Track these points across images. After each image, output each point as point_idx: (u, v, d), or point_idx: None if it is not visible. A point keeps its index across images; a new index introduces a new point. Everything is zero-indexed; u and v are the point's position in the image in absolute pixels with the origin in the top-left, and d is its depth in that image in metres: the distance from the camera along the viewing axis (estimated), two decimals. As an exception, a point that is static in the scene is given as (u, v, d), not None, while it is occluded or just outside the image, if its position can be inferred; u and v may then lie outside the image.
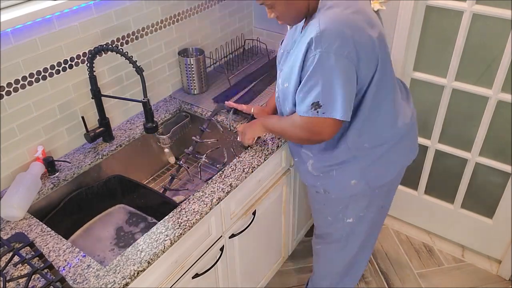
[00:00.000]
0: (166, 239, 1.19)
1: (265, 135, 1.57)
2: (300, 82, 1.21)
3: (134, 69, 1.32)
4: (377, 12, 1.26)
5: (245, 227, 1.56)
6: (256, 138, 1.53)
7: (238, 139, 1.53)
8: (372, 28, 1.18)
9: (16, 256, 1.15)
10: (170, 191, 1.57)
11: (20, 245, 1.18)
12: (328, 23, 1.12)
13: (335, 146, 1.33)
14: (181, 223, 1.24)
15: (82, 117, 1.48)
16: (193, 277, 1.39)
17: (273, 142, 1.55)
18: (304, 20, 1.26)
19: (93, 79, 1.44)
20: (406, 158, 1.47)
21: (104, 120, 1.53)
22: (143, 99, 1.34)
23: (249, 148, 1.53)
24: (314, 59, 1.13)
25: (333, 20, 1.13)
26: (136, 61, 1.31)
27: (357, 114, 1.26)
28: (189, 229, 1.25)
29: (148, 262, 1.14)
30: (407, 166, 1.50)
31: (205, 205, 1.30)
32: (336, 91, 1.14)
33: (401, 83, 1.46)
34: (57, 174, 1.42)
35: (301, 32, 1.25)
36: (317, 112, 1.17)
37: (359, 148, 1.32)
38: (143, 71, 1.33)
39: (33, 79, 1.33)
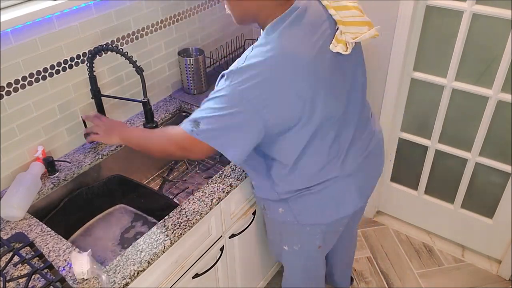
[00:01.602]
0: (166, 239, 1.19)
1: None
2: None
3: (134, 69, 1.32)
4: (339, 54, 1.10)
5: (245, 227, 1.56)
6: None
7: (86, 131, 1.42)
8: (313, 73, 1.06)
9: (16, 256, 1.15)
10: (169, 182, 1.56)
11: (20, 245, 1.18)
12: (252, 61, 1.02)
13: (265, 188, 1.29)
14: (181, 223, 1.24)
15: (82, 117, 1.48)
16: (193, 277, 1.39)
17: (273, 142, 1.55)
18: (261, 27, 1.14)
19: (93, 79, 1.44)
20: (346, 205, 1.29)
21: (104, 120, 1.53)
22: (143, 99, 1.34)
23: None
24: (220, 87, 1.05)
25: (259, 59, 1.02)
26: (136, 61, 1.31)
27: (283, 161, 1.19)
28: (189, 229, 1.25)
29: (148, 262, 1.14)
30: (349, 214, 1.32)
31: (205, 205, 1.30)
32: (221, 123, 1.04)
33: (371, 123, 1.34)
34: (57, 174, 1.42)
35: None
36: (192, 131, 1.06)
37: (287, 192, 1.25)
38: (143, 71, 1.33)
39: (33, 79, 1.33)
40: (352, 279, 2.06)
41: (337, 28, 1.10)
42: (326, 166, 1.21)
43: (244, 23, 1.17)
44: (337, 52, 1.09)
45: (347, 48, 1.10)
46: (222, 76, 1.07)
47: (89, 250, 1.13)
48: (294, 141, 1.14)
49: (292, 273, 1.59)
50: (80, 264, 1.08)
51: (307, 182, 1.23)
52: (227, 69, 1.08)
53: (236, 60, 1.08)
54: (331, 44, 1.08)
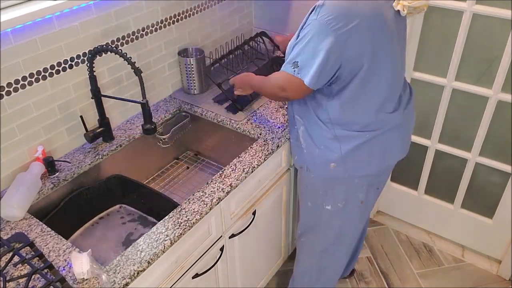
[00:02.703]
0: (166, 239, 1.20)
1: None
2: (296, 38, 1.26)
3: (132, 70, 1.32)
4: (398, 13, 1.26)
5: (245, 227, 1.56)
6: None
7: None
8: (384, 21, 1.21)
9: (16, 256, 1.15)
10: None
11: (20, 245, 1.18)
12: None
13: (320, 120, 1.36)
14: (181, 223, 1.24)
15: (81, 117, 1.48)
16: (193, 277, 1.39)
17: (273, 142, 1.55)
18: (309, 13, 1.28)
19: (93, 79, 1.44)
20: (392, 154, 1.44)
21: (104, 120, 1.53)
22: (142, 101, 1.34)
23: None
24: (309, 23, 1.20)
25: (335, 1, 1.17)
26: (134, 62, 1.31)
27: (344, 90, 1.28)
28: (189, 229, 1.25)
29: (148, 262, 1.14)
30: (393, 164, 1.48)
31: (205, 205, 1.30)
32: (315, 59, 1.19)
33: (408, 86, 1.47)
34: (57, 174, 1.42)
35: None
36: (294, 70, 1.25)
37: (343, 128, 1.34)
38: (142, 72, 1.32)
39: (33, 79, 1.33)
40: (354, 271, 2.06)
41: None
42: (378, 113, 1.32)
43: None
44: (397, 12, 1.25)
45: (403, 9, 1.24)
46: (311, 11, 1.21)
47: (89, 250, 1.13)
48: (357, 82, 1.26)
49: (326, 239, 1.59)
50: (80, 264, 1.08)
51: (361, 124, 1.33)
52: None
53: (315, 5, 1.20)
54: (394, 2, 1.24)
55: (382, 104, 1.32)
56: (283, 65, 1.29)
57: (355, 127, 1.33)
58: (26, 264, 1.13)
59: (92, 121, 1.56)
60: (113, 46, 1.51)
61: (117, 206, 1.58)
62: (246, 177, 1.43)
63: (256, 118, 1.68)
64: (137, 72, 1.31)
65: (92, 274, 1.08)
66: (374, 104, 1.31)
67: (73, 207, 1.44)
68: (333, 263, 1.69)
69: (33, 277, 1.09)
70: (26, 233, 1.22)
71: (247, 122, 1.66)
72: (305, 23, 1.23)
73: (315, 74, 1.21)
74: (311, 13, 1.21)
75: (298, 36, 1.25)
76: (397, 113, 1.37)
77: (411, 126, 1.51)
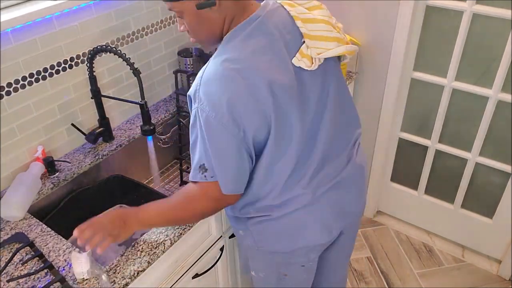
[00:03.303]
0: (166, 239, 1.19)
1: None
2: None
3: (131, 71, 1.32)
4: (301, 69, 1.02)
5: (245, 227, 1.56)
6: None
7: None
8: (270, 87, 0.97)
9: (16, 256, 1.15)
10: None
11: (20, 245, 1.18)
12: (209, 74, 0.97)
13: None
14: (181, 223, 1.24)
15: (72, 124, 1.47)
16: (193, 277, 1.39)
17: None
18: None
19: (93, 79, 1.44)
20: (303, 236, 1.16)
21: (104, 120, 1.54)
22: (140, 101, 1.34)
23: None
24: (192, 113, 1.00)
25: (215, 72, 0.97)
26: (133, 63, 1.31)
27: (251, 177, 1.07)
28: (189, 229, 1.25)
29: (148, 262, 1.14)
30: (309, 246, 1.20)
31: (205, 205, 1.30)
32: (211, 153, 0.99)
33: (351, 144, 1.21)
34: (57, 174, 1.42)
35: None
36: (205, 176, 1.01)
37: (244, 213, 1.16)
38: (140, 73, 1.32)
39: (33, 79, 1.33)
40: None
41: (303, 42, 1.04)
42: (287, 187, 1.09)
43: (212, 43, 1.07)
44: (299, 67, 1.03)
45: (312, 63, 1.04)
46: (189, 99, 1.02)
47: (89, 250, 1.12)
48: (265, 158, 1.05)
49: None
50: (80, 264, 1.08)
51: (263, 207, 1.12)
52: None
53: (197, 75, 1.01)
54: (295, 58, 1.02)
55: (287, 177, 1.07)
56: (190, 174, 1.04)
57: (253, 210, 1.14)
58: (26, 264, 1.13)
59: (92, 121, 1.56)
60: (112, 46, 1.50)
61: (117, 206, 1.57)
62: (246, 177, 1.43)
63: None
64: (136, 72, 1.31)
65: (92, 274, 1.08)
66: (278, 179, 1.07)
67: (73, 207, 1.44)
68: None
69: (33, 277, 1.09)
70: (26, 233, 1.22)
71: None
72: (191, 109, 1.01)
73: (225, 177, 1.00)
74: (190, 100, 1.01)
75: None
76: (314, 187, 1.11)
77: (346, 206, 1.20)
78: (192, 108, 1.00)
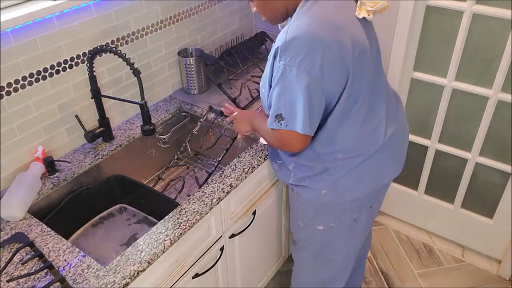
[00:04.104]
0: (166, 239, 1.20)
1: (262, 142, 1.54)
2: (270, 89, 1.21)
3: (131, 71, 1.32)
4: (364, 19, 1.20)
5: (245, 227, 1.56)
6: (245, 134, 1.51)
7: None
8: (350, 38, 1.13)
9: (16, 256, 1.15)
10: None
11: (20, 245, 1.18)
12: (296, 33, 1.10)
13: (310, 157, 1.30)
14: (181, 223, 1.24)
15: (76, 116, 1.48)
16: (193, 277, 1.39)
17: (273, 142, 1.55)
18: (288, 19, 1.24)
19: (93, 79, 1.44)
20: (381, 175, 1.37)
21: (104, 120, 1.54)
22: (140, 101, 1.34)
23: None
24: (278, 71, 1.13)
25: (301, 31, 1.10)
26: (133, 63, 1.31)
27: (325, 125, 1.23)
28: (189, 229, 1.25)
29: (148, 262, 1.14)
30: (386, 184, 1.42)
31: (205, 205, 1.30)
32: (297, 104, 1.13)
33: (393, 96, 1.41)
34: (57, 174, 1.42)
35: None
36: (280, 124, 1.18)
37: (331, 159, 1.28)
38: (140, 73, 1.32)
39: (33, 79, 1.33)
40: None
41: (357, 1, 1.19)
42: (364, 134, 1.26)
43: (278, 21, 1.25)
44: (363, 18, 1.18)
45: (368, 14, 1.18)
46: (274, 57, 1.14)
47: None
48: (341, 107, 1.20)
49: (323, 259, 1.54)
50: None
51: (348, 150, 1.27)
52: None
53: (278, 38, 1.15)
54: (356, 12, 1.17)
55: (363, 122, 1.26)
56: (268, 121, 1.22)
57: (340, 155, 1.28)
58: (26, 264, 1.13)
59: (92, 121, 1.56)
60: (112, 46, 1.51)
61: (117, 206, 1.58)
62: (246, 177, 1.43)
63: (256, 118, 1.68)
64: (136, 73, 1.31)
65: None
66: (356, 125, 1.25)
67: (73, 207, 1.44)
68: (330, 279, 1.61)
69: (33, 277, 1.09)
70: (26, 233, 1.22)
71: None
72: (272, 69, 1.17)
73: (305, 120, 1.15)
74: (274, 58, 1.15)
75: (270, 85, 1.20)
76: (382, 129, 1.30)
77: (404, 140, 1.44)
78: (279, 64, 1.12)
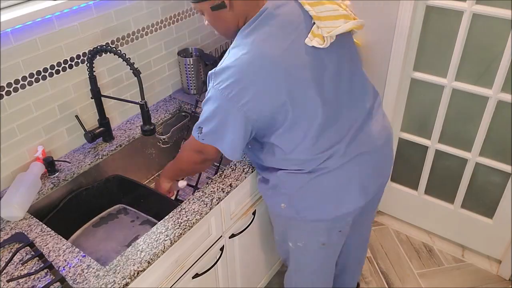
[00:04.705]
0: (166, 239, 1.20)
1: (181, 187, 1.52)
2: None
3: (131, 71, 1.32)
4: (314, 48, 1.13)
5: (245, 227, 1.56)
6: (175, 192, 1.54)
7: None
8: (287, 71, 1.11)
9: (16, 256, 1.15)
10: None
11: (20, 245, 1.18)
12: (229, 61, 1.10)
13: (262, 169, 1.32)
14: (181, 223, 1.24)
15: (76, 116, 1.48)
16: (193, 277, 1.39)
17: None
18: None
19: (93, 79, 1.44)
20: (342, 200, 1.28)
21: (104, 120, 1.54)
22: (140, 101, 1.34)
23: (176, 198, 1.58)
24: (208, 90, 1.15)
25: (235, 59, 1.10)
26: (133, 63, 1.31)
27: (267, 138, 1.22)
28: (189, 229, 1.25)
29: (148, 262, 1.14)
30: (349, 212, 1.31)
31: (205, 205, 1.30)
32: (222, 131, 1.15)
33: (379, 117, 1.33)
34: (57, 174, 1.42)
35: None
36: (198, 137, 1.20)
37: (279, 172, 1.27)
38: (140, 73, 1.32)
39: (33, 79, 1.33)
40: (358, 285, 2.02)
41: (314, 23, 1.14)
42: (314, 149, 1.21)
43: (230, 35, 1.21)
44: (313, 46, 1.13)
45: (324, 41, 1.13)
46: (208, 77, 1.15)
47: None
48: (288, 134, 1.19)
49: (297, 272, 1.57)
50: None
51: (300, 162, 1.24)
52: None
53: (221, 61, 1.15)
54: (307, 39, 1.13)
55: (320, 135, 1.19)
56: (194, 127, 1.22)
57: (293, 166, 1.24)
58: (26, 264, 1.13)
59: (92, 121, 1.56)
60: (112, 46, 1.51)
61: (117, 206, 1.58)
62: (246, 177, 1.43)
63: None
64: (136, 73, 1.31)
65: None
66: (309, 136, 1.19)
67: (73, 207, 1.44)
68: None
69: (33, 277, 1.09)
70: (26, 233, 1.22)
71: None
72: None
73: (230, 147, 1.16)
74: (208, 80, 1.16)
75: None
76: (342, 148, 1.22)
77: (379, 169, 1.34)
78: (209, 86, 1.14)
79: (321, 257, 1.47)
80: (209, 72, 1.14)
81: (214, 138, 1.17)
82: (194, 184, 1.63)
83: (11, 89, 1.29)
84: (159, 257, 1.18)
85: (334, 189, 1.27)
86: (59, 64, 1.39)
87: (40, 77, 1.35)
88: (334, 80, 1.20)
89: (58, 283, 1.07)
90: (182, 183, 1.50)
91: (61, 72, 1.41)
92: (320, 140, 1.20)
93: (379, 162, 1.34)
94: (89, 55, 1.38)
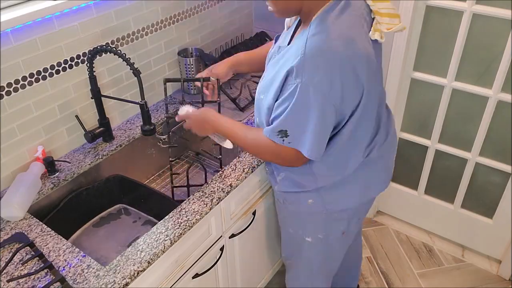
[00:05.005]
0: (166, 239, 1.20)
1: (227, 146, 1.40)
2: (275, 100, 1.13)
3: (131, 71, 1.32)
4: (375, 41, 1.15)
5: (245, 227, 1.56)
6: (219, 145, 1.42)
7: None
8: (367, 59, 1.10)
9: (16, 256, 1.15)
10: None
11: (20, 245, 1.18)
12: (315, 49, 1.03)
13: (303, 173, 1.27)
14: (181, 223, 1.24)
15: (76, 116, 1.48)
16: (193, 277, 1.39)
17: (273, 142, 1.54)
18: (298, 19, 1.20)
19: (93, 79, 1.44)
20: (373, 187, 1.36)
21: (104, 120, 1.53)
22: (140, 101, 1.34)
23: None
24: (292, 87, 1.06)
25: (321, 47, 1.03)
26: (133, 63, 1.31)
27: (331, 148, 1.19)
28: (189, 229, 1.25)
29: (148, 262, 1.14)
30: (375, 196, 1.41)
31: (205, 205, 1.30)
32: (308, 125, 1.08)
33: (388, 112, 1.38)
34: (57, 174, 1.42)
35: (290, 40, 1.18)
36: (283, 140, 1.13)
37: (327, 180, 1.27)
38: (140, 73, 1.32)
39: (33, 79, 1.33)
40: (358, 286, 2.01)
41: (373, 18, 1.15)
42: (367, 148, 1.25)
43: (285, 15, 1.18)
44: (375, 40, 1.14)
45: (381, 37, 1.15)
46: (288, 73, 1.07)
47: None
48: (349, 129, 1.17)
49: (305, 271, 1.56)
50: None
51: (348, 166, 1.24)
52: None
53: (294, 54, 1.06)
54: (370, 32, 1.13)
55: (366, 149, 1.24)
56: (265, 129, 1.16)
57: (337, 172, 1.26)
58: (26, 264, 1.13)
59: (92, 121, 1.56)
60: (112, 46, 1.51)
61: (117, 206, 1.58)
62: (246, 177, 1.43)
63: (256, 118, 1.68)
64: (136, 73, 1.31)
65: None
66: (362, 147, 1.23)
67: (73, 207, 1.44)
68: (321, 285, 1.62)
69: (33, 277, 1.09)
70: (26, 233, 1.22)
71: (247, 122, 1.66)
72: (284, 82, 1.09)
73: (314, 145, 1.11)
74: (289, 73, 1.06)
75: (276, 96, 1.12)
76: (380, 143, 1.28)
77: (394, 151, 1.43)
78: (294, 82, 1.05)
79: (337, 248, 1.48)
80: (289, 68, 1.05)
81: (305, 142, 1.11)
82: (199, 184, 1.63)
83: (11, 89, 1.29)
84: (159, 257, 1.18)
85: (364, 180, 1.31)
86: (59, 64, 1.39)
87: (40, 77, 1.35)
88: (380, 77, 1.26)
89: (58, 283, 1.07)
90: (229, 144, 1.36)
91: (61, 72, 1.41)
92: (372, 130, 1.24)
93: (394, 147, 1.42)
94: (89, 55, 1.38)
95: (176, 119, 1.40)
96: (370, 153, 1.26)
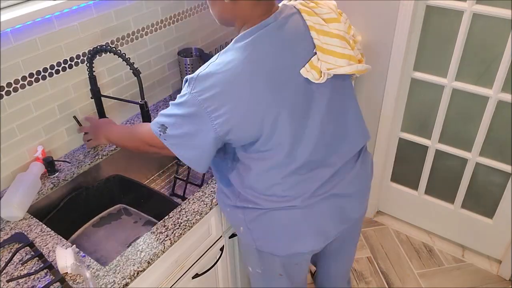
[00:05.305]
0: (166, 239, 1.19)
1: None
2: None
3: (131, 71, 1.32)
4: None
5: (245, 227, 1.56)
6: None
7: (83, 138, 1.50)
8: (274, 98, 0.99)
9: (16, 256, 1.15)
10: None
11: (20, 245, 1.18)
12: (210, 70, 0.99)
13: (228, 186, 1.19)
14: (181, 223, 1.24)
15: (74, 117, 1.48)
16: (193, 277, 1.39)
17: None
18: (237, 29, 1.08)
19: (92, 79, 1.44)
20: (295, 239, 1.17)
21: (104, 120, 1.54)
22: (140, 101, 1.34)
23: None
24: (184, 94, 1.01)
25: (223, 70, 0.98)
26: (133, 63, 1.31)
27: (240, 156, 1.11)
28: (189, 229, 1.25)
29: (148, 262, 1.14)
30: (304, 252, 1.21)
31: (205, 205, 1.30)
32: (186, 137, 1.03)
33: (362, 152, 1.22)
34: (57, 174, 1.42)
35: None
36: (160, 135, 1.06)
37: (242, 196, 1.16)
38: (140, 73, 1.32)
39: (33, 79, 1.33)
40: None
41: (315, 53, 1.03)
42: (280, 185, 1.10)
43: (223, 24, 1.11)
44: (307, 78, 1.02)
45: (320, 76, 1.02)
46: (186, 80, 1.03)
47: (74, 245, 1.15)
48: (258, 154, 1.08)
49: None
50: (64, 258, 1.09)
51: (262, 191, 1.12)
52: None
53: (203, 65, 1.03)
54: (303, 68, 1.01)
55: (292, 172, 1.09)
56: (152, 121, 1.10)
57: (249, 194, 1.14)
58: (26, 264, 1.13)
59: (92, 121, 1.56)
60: (112, 46, 1.51)
61: (117, 206, 1.58)
62: (246, 177, 1.43)
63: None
64: (136, 72, 1.31)
65: (76, 270, 1.08)
66: (271, 167, 1.08)
67: (73, 207, 1.44)
68: None
69: (33, 277, 1.09)
70: (26, 233, 1.22)
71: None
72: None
73: (193, 160, 1.05)
74: (185, 81, 1.03)
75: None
76: (311, 193, 1.12)
77: (343, 215, 1.20)
78: (185, 91, 1.01)
79: (280, 285, 1.34)
80: (188, 76, 1.02)
81: (178, 145, 1.05)
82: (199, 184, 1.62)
83: (11, 89, 1.29)
84: (159, 257, 1.18)
85: (289, 226, 1.15)
86: (59, 64, 1.39)
87: (40, 77, 1.35)
88: (322, 117, 1.08)
89: (58, 283, 1.07)
90: None
91: (61, 72, 1.41)
92: (292, 177, 1.09)
93: (345, 207, 1.21)
94: (89, 55, 1.38)
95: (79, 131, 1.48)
96: (300, 194, 1.12)
